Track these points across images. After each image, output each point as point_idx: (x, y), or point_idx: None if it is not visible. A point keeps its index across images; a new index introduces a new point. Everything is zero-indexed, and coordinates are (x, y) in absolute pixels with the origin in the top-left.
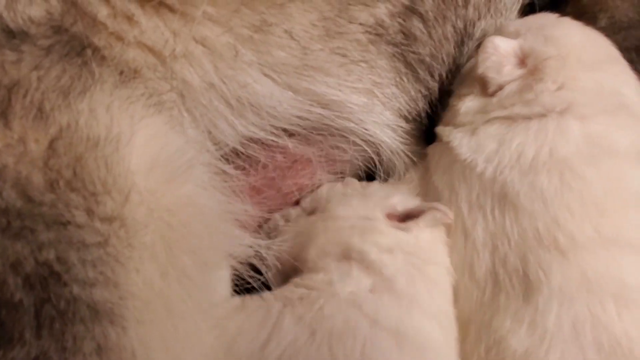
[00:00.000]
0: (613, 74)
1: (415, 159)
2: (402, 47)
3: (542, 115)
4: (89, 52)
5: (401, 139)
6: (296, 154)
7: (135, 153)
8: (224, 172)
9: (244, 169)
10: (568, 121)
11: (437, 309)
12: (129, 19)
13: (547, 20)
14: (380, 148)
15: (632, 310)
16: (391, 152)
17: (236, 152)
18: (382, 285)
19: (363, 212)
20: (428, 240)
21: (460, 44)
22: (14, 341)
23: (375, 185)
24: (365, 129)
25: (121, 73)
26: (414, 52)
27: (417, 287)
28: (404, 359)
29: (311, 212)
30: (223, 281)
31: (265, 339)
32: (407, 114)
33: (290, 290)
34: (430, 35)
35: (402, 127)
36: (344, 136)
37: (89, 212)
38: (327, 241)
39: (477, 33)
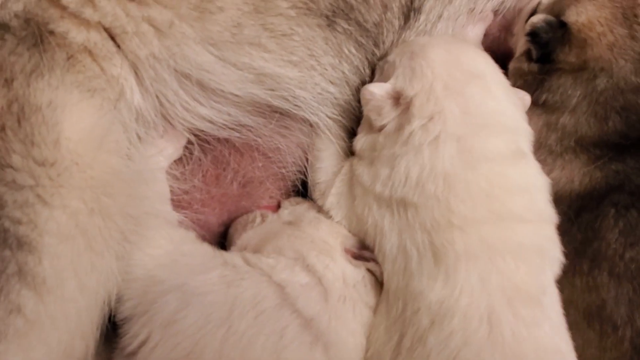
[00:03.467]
0: (477, 95)
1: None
2: (338, 17)
3: (419, 145)
4: (47, 41)
5: (340, 112)
6: (241, 142)
7: (69, 117)
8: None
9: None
10: (441, 144)
11: (357, 330)
12: (91, 1)
13: (415, 47)
14: (318, 127)
15: (527, 263)
16: (329, 130)
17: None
18: (316, 287)
19: (326, 238)
20: (370, 282)
21: (406, 15)
22: None
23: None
24: (305, 106)
25: (70, 57)
26: (351, 21)
27: (346, 307)
28: (302, 339)
29: (286, 222)
30: (154, 228)
31: (189, 277)
32: (351, 82)
33: (233, 258)
34: (368, 4)
35: (344, 97)
36: (286, 118)
37: (25, 156)
38: (286, 245)
39: (426, 7)
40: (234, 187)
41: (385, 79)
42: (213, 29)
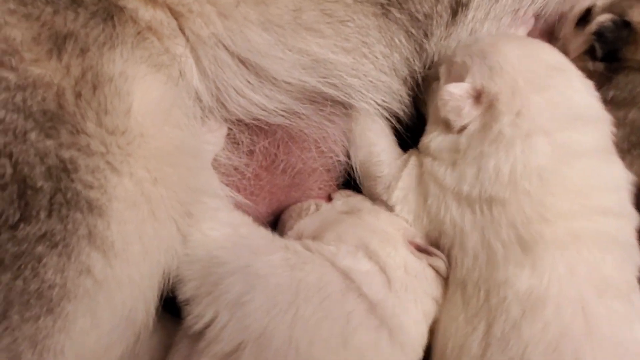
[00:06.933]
0: (561, 88)
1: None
2: (392, 6)
3: (511, 142)
4: (118, 16)
5: (390, 100)
6: (292, 131)
7: (139, 89)
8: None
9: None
10: (533, 140)
11: (419, 318)
12: None
13: (485, 45)
14: (368, 114)
15: (614, 257)
16: (380, 117)
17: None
18: (378, 274)
19: (388, 228)
20: (431, 275)
21: (454, 10)
22: (31, 218)
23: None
24: (355, 94)
25: (139, 33)
26: (404, 10)
27: (408, 295)
28: (368, 324)
29: (342, 212)
30: (213, 210)
31: (252, 259)
32: (400, 72)
33: (294, 244)
34: None
35: (395, 88)
36: (336, 106)
37: (98, 123)
38: (347, 233)
39: (474, 3)
40: (284, 177)
41: (456, 80)
42: (274, 12)
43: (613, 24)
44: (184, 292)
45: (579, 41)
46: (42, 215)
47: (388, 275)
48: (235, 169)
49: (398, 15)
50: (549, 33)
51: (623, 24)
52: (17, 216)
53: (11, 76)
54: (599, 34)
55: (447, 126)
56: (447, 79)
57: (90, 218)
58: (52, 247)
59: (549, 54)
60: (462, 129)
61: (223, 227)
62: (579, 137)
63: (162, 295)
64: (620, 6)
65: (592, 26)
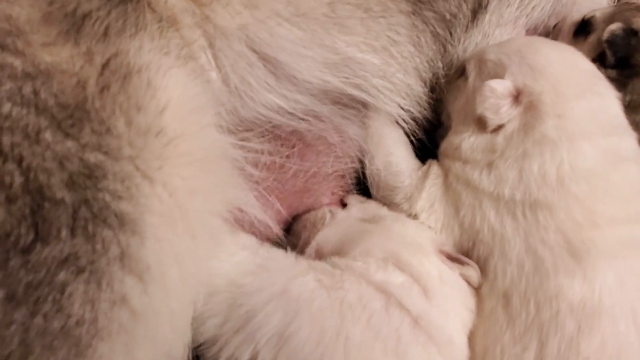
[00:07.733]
0: (601, 95)
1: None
2: (424, 5)
3: (557, 143)
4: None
5: (412, 103)
6: (308, 133)
7: (171, 83)
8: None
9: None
10: (578, 142)
11: (457, 327)
12: None
13: (523, 45)
14: (391, 117)
15: None
16: (402, 122)
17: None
18: (413, 285)
19: (417, 237)
20: (464, 285)
21: (475, 11)
22: (51, 237)
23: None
24: (378, 95)
25: (160, 21)
26: (434, 9)
27: (447, 305)
28: (417, 340)
29: (360, 220)
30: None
31: (287, 282)
32: (423, 74)
33: (317, 263)
34: None
35: (417, 90)
36: (356, 108)
37: (128, 122)
38: (375, 245)
39: (491, 7)
40: (296, 181)
41: (490, 78)
42: (309, 5)
43: (623, 32)
44: (203, 332)
45: (584, 50)
46: (64, 233)
47: (423, 285)
48: (244, 171)
49: (427, 14)
50: None
51: (632, 32)
52: (31, 236)
53: (16, 62)
54: (611, 42)
55: (480, 125)
56: (478, 76)
57: (121, 235)
58: (77, 273)
59: (585, 61)
60: (497, 128)
61: (240, 249)
62: (622, 143)
63: None
64: (623, 16)
65: (604, 34)
